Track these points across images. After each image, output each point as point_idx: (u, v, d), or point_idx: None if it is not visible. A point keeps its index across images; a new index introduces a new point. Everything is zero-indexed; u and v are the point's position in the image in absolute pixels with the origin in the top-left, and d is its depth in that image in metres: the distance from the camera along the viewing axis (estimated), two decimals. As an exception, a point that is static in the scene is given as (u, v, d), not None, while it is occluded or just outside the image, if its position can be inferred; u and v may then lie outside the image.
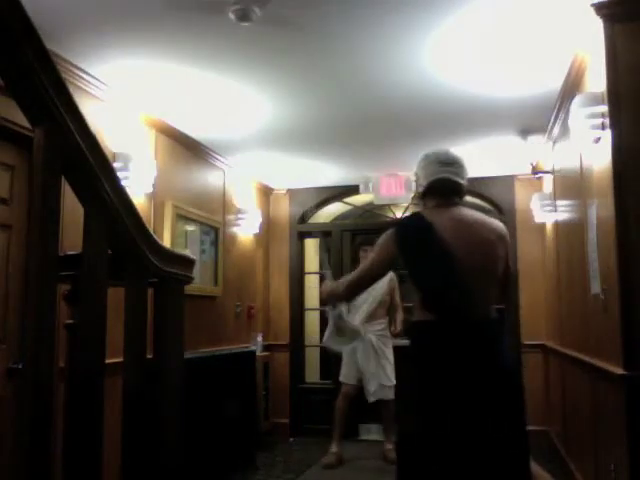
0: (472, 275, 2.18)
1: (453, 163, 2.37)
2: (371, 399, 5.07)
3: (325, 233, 6.80)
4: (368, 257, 4.99)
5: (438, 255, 2.21)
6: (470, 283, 2.17)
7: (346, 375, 5.19)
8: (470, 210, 2.38)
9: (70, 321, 1.69)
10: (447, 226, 2.24)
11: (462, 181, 2.37)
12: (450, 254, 2.18)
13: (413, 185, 6.22)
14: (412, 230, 2.34)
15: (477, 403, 2.13)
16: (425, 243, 2.26)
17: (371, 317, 5.18)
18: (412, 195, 6.16)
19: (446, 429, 2.12)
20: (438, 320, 2.19)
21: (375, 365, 5.08)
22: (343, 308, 4.15)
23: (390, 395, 5.03)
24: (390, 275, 5.17)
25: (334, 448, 5.11)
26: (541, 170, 5.39)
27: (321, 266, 5.21)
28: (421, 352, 2.25)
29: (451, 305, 2.19)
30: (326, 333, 4.10)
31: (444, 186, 2.34)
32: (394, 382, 5.05)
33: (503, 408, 2.16)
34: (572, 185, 3.87)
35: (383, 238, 2.36)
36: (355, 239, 6.75)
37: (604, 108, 2.77)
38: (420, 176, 2.42)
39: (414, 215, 2.45)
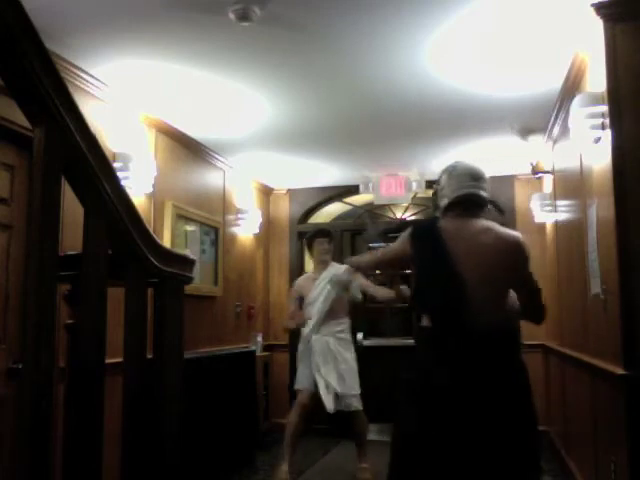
0: (474, 283, 2.18)
1: (481, 178, 2.39)
2: (332, 409, 4.29)
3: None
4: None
5: (439, 261, 2.24)
6: (471, 291, 2.17)
7: (301, 381, 4.47)
8: (485, 221, 2.38)
9: (70, 321, 1.69)
10: (455, 233, 2.27)
11: (486, 196, 2.40)
12: (451, 261, 2.20)
13: (414, 185, 6.26)
14: (424, 233, 2.39)
15: (470, 417, 2.13)
16: (430, 248, 2.29)
17: (328, 316, 4.46)
18: (412, 195, 6.18)
19: (441, 440, 2.13)
20: (434, 327, 2.24)
21: (333, 372, 4.36)
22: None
23: (356, 405, 4.38)
24: (344, 267, 4.16)
25: (285, 467, 4.34)
26: (541, 170, 5.39)
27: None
28: (420, 358, 2.30)
29: (448, 312, 2.21)
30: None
31: (471, 201, 2.36)
32: (358, 390, 4.41)
33: (499, 428, 2.14)
34: (572, 185, 3.87)
35: (403, 234, 2.45)
36: (355, 239, 6.76)
37: (604, 108, 2.77)
38: (445, 186, 2.41)
39: (430, 220, 2.49)
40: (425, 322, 2.31)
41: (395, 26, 3.09)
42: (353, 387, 4.40)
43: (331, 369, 4.37)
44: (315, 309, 4.49)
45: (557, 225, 4.84)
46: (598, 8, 2.73)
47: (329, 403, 4.29)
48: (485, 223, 2.37)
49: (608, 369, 2.80)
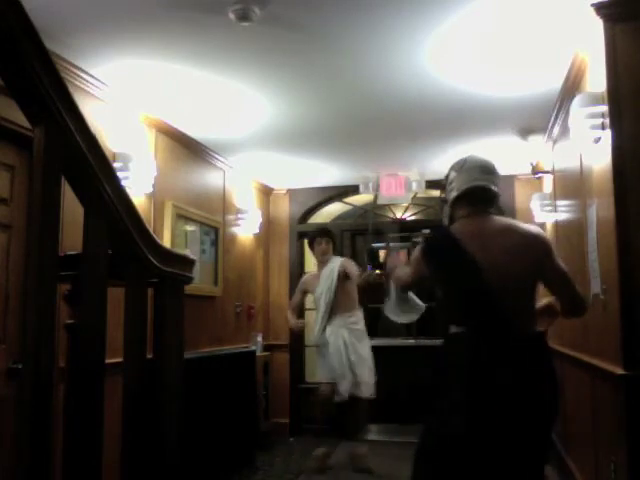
0: (502, 286, 2.14)
1: (492, 171, 2.35)
2: (337, 398, 4.59)
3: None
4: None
5: (465, 269, 2.20)
6: (501, 295, 2.14)
7: (322, 374, 4.79)
8: (500, 218, 2.35)
9: (70, 321, 1.69)
10: (474, 238, 2.22)
11: (497, 190, 2.35)
12: (477, 267, 2.15)
13: (414, 185, 6.25)
14: (439, 246, 2.36)
15: (498, 422, 2.11)
16: (451, 259, 2.26)
17: (336, 310, 4.74)
18: (412, 195, 6.18)
19: (463, 441, 2.12)
20: (470, 333, 2.19)
21: (346, 362, 4.62)
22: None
23: (365, 392, 4.62)
24: (340, 260, 4.87)
25: (321, 450, 4.82)
26: (541, 170, 5.39)
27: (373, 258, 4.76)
28: (452, 363, 2.23)
29: (480, 320, 2.17)
30: (388, 305, 3.92)
31: (481, 194, 2.31)
32: (372, 379, 4.66)
33: (523, 439, 2.13)
34: (572, 185, 3.87)
35: (415, 253, 2.42)
36: (355, 239, 6.76)
37: (604, 108, 2.77)
38: (455, 180, 2.36)
39: (441, 230, 2.42)
40: (454, 329, 2.27)
41: (395, 26, 3.09)
42: (366, 375, 4.63)
43: (346, 362, 4.61)
44: (321, 302, 4.79)
45: (557, 225, 4.84)
46: (598, 8, 2.73)
47: (338, 394, 4.57)
48: (502, 221, 2.33)
49: (608, 369, 2.80)
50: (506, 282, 2.15)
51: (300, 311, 5.04)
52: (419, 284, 2.58)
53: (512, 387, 2.11)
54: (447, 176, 2.44)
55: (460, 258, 2.21)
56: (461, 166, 2.37)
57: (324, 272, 4.86)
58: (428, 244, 2.42)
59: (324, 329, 4.75)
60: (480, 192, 2.31)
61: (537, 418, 2.15)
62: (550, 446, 2.32)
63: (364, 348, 4.75)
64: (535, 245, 2.24)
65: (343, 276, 4.74)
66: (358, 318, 4.83)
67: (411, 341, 6.26)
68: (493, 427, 2.11)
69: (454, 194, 2.34)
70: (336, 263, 4.85)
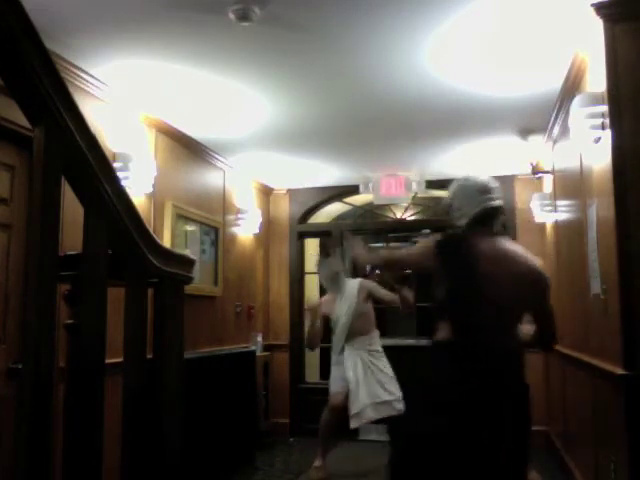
0: (498, 306, 2.22)
1: (492, 189, 2.42)
2: (354, 424, 4.52)
3: (325, 233, 6.82)
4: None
5: (469, 278, 2.26)
6: (493, 311, 2.22)
7: (333, 385, 4.69)
8: (508, 242, 2.42)
9: (70, 321, 1.69)
10: (485, 253, 2.29)
11: (501, 203, 2.43)
12: (480, 280, 2.23)
13: (414, 185, 6.26)
14: (453, 245, 2.40)
15: (476, 429, 2.17)
16: (460, 265, 2.31)
17: (355, 333, 4.67)
18: (412, 195, 6.18)
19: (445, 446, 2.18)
20: (456, 340, 2.26)
21: (369, 383, 4.53)
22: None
23: (400, 408, 4.38)
24: (358, 282, 4.75)
25: (317, 463, 4.64)
26: (541, 170, 5.39)
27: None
28: (437, 370, 2.32)
29: (469, 330, 2.25)
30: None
31: (488, 214, 2.38)
32: (399, 393, 4.48)
33: (500, 441, 2.19)
34: (572, 185, 3.87)
35: (426, 241, 2.46)
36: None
37: (604, 108, 2.77)
38: (462, 205, 2.42)
39: (457, 235, 2.46)
40: (442, 335, 2.32)
41: (395, 26, 3.09)
42: (394, 392, 4.53)
43: (371, 381, 4.53)
44: (340, 325, 4.71)
45: (557, 225, 4.84)
46: (598, 8, 2.73)
47: (353, 419, 4.48)
48: (510, 246, 2.41)
49: (608, 369, 2.80)
50: (503, 303, 2.23)
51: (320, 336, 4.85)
52: (413, 267, 2.71)
53: (485, 398, 2.19)
54: (450, 205, 2.48)
55: (468, 265, 2.27)
56: (462, 191, 2.44)
57: (345, 295, 4.73)
58: (444, 239, 2.46)
59: (341, 351, 4.70)
60: (487, 213, 2.38)
61: (505, 425, 2.21)
62: (526, 450, 2.35)
63: (385, 365, 4.69)
64: (539, 281, 2.34)
65: (366, 297, 4.69)
66: (375, 339, 4.79)
67: (411, 341, 6.24)
68: (468, 431, 2.18)
69: (464, 220, 2.40)
70: (354, 285, 4.74)
